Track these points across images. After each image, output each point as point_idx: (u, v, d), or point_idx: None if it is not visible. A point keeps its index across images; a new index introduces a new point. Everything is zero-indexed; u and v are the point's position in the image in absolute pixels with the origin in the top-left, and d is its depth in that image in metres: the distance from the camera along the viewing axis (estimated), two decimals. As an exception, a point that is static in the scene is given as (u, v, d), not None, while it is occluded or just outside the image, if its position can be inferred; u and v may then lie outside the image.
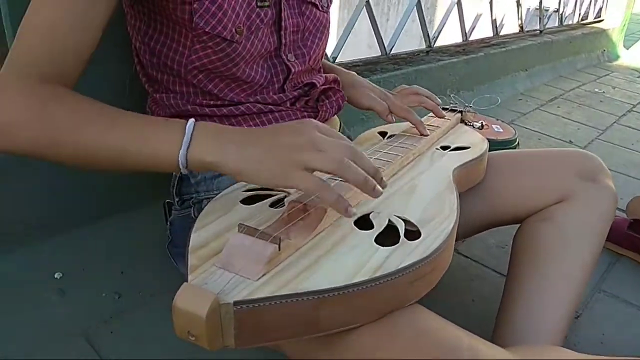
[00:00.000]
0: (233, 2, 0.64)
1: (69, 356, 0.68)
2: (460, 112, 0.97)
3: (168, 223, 0.79)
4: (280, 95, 0.75)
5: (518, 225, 0.83)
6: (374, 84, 0.88)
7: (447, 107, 0.99)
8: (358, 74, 1.45)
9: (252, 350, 0.46)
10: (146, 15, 0.68)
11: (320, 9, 0.79)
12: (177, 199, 0.76)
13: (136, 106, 0.90)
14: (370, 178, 0.51)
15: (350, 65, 1.55)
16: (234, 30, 0.65)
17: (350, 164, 0.50)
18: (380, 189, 0.52)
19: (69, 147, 0.53)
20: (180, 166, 0.52)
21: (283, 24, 0.72)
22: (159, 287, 0.81)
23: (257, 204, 0.59)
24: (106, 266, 0.85)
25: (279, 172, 0.49)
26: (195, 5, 0.62)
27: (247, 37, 0.68)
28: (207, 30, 0.64)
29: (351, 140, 0.88)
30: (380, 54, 1.65)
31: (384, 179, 0.55)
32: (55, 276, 0.81)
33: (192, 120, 0.53)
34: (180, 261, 0.76)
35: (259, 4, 0.68)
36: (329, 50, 1.43)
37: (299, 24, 0.75)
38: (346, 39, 1.48)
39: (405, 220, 0.57)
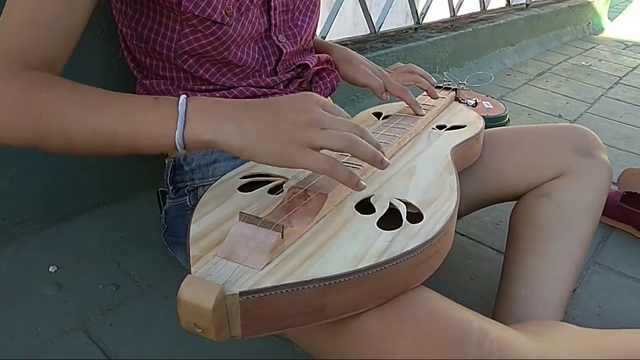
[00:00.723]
0: None
1: (69, 350, 0.67)
2: (455, 90, 0.96)
3: (163, 212, 0.77)
4: (273, 77, 0.73)
5: (513, 202, 0.84)
6: (369, 61, 0.87)
7: (440, 85, 0.99)
8: (347, 53, 1.44)
9: (257, 339, 0.46)
10: (132, 0, 0.66)
11: (310, -13, 0.77)
12: (171, 187, 0.75)
13: (124, 91, 0.88)
14: (379, 152, 0.50)
15: (340, 44, 1.52)
16: (223, 12, 0.63)
17: (358, 139, 0.48)
18: (388, 161, 0.51)
19: (56, 134, 0.51)
20: (178, 147, 0.49)
21: (272, 3, 0.70)
22: (157, 277, 0.80)
23: (255, 190, 0.58)
24: (101, 257, 0.83)
25: (280, 148, 0.47)
26: (182, -12, 0.60)
27: (237, 18, 0.66)
28: (196, 13, 0.62)
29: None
30: (368, 32, 1.63)
31: (385, 158, 0.53)
32: (50, 270, 0.80)
33: (183, 97, 0.50)
34: (177, 250, 0.75)
35: (248, -16, 0.65)
36: (317, 30, 1.40)
37: (288, 4, 0.73)
38: (335, 17, 1.46)
39: (406, 203, 0.56)
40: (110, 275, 0.80)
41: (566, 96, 1.95)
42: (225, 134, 0.48)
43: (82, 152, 0.53)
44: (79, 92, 0.52)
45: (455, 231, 1.01)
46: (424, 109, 0.83)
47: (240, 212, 0.48)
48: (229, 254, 0.45)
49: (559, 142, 0.82)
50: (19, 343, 0.67)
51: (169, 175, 0.74)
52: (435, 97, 0.85)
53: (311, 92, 0.52)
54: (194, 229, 0.50)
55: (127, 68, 0.75)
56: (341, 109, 0.52)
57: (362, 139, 0.49)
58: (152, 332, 0.71)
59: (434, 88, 0.84)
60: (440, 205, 0.56)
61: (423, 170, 0.65)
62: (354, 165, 0.61)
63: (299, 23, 0.76)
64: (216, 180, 0.62)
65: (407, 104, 0.81)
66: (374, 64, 0.86)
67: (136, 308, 0.75)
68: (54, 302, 0.74)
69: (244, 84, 0.71)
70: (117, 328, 0.71)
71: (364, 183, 0.50)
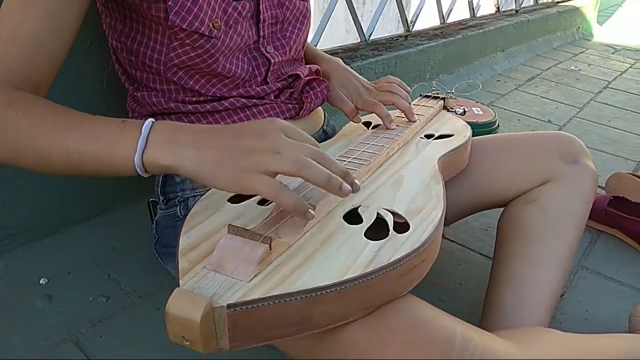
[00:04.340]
0: None
1: (60, 362, 0.67)
2: (443, 99, 0.97)
3: (154, 222, 0.78)
4: (264, 87, 0.74)
5: (502, 208, 0.85)
6: (352, 74, 0.86)
7: (429, 94, 1.00)
8: (338, 61, 1.45)
9: (247, 349, 0.46)
10: (121, 14, 0.67)
11: (300, -2, 0.78)
12: (162, 198, 0.75)
13: (116, 104, 0.89)
14: (335, 176, 0.48)
15: (330, 53, 1.53)
16: (211, 25, 0.64)
17: (310, 162, 0.47)
18: (348, 187, 0.49)
19: (28, 153, 0.52)
20: (138, 170, 0.50)
21: (261, 16, 0.71)
22: (147, 288, 0.80)
23: (245, 202, 0.59)
24: (92, 269, 0.84)
25: (236, 175, 0.47)
26: (170, 3, 0.61)
27: (226, 31, 0.66)
28: (184, 26, 0.62)
29: (335, 130, 0.87)
30: (359, 40, 1.64)
31: (356, 181, 0.52)
32: (41, 282, 0.80)
33: (149, 121, 0.51)
34: (168, 260, 0.75)
35: (235, -3, 0.66)
36: (308, 38, 1.41)
37: (277, 16, 0.74)
38: (325, 25, 1.47)
39: (393, 213, 0.57)
40: (101, 287, 0.80)
41: (555, 101, 1.98)
42: (182, 160, 0.48)
43: (54, 172, 0.53)
44: (54, 113, 0.53)
45: (445, 237, 1.04)
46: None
47: (229, 224, 0.48)
48: (217, 266, 0.46)
49: (545, 150, 0.83)
50: (9, 355, 0.67)
51: (159, 186, 0.75)
52: (412, 120, 0.83)
53: (275, 118, 0.52)
54: (184, 241, 0.51)
55: (118, 80, 0.75)
56: (305, 134, 0.51)
57: (320, 164, 0.48)
58: (142, 343, 0.71)
59: (411, 110, 0.83)
60: (427, 215, 0.57)
61: (410, 179, 0.66)
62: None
63: (288, 34, 0.77)
64: (207, 191, 0.62)
65: (379, 117, 0.81)
66: (356, 79, 0.85)
67: (127, 319, 0.75)
68: (45, 314, 0.74)
69: (235, 94, 0.72)
70: (108, 340, 0.71)
71: (312, 212, 0.49)
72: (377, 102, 0.81)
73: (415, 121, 0.84)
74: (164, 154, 0.49)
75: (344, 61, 1.33)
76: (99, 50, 0.84)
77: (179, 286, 0.43)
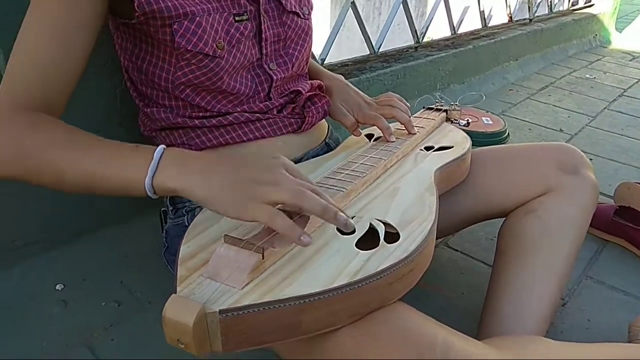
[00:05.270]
0: (211, 19, 0.67)
1: (72, 365, 0.71)
2: (445, 111, 0.99)
3: (164, 231, 0.81)
4: (267, 103, 0.77)
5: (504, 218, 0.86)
6: (353, 89, 0.89)
7: (432, 106, 1.02)
8: (347, 73, 1.48)
9: (244, 352, 0.49)
10: (132, 36, 0.71)
11: (302, 16, 0.81)
12: (171, 208, 0.79)
13: (129, 119, 0.93)
14: (331, 207, 0.52)
15: (339, 65, 1.57)
16: (215, 46, 0.68)
17: (307, 193, 0.51)
18: (344, 216, 0.53)
19: (46, 173, 0.56)
20: (148, 192, 0.54)
21: (263, 35, 0.75)
22: (157, 294, 0.84)
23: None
24: (106, 276, 0.88)
25: (238, 202, 0.51)
26: (175, 27, 0.65)
27: (229, 51, 0.70)
28: (189, 48, 0.66)
29: (338, 143, 0.90)
30: (368, 52, 1.67)
31: (350, 220, 0.55)
32: (57, 288, 0.84)
33: (161, 147, 0.55)
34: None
35: (236, 18, 0.70)
36: (317, 52, 1.45)
37: (279, 34, 0.78)
38: (333, 40, 1.50)
39: (385, 223, 0.59)
40: (113, 293, 0.84)
41: (568, 110, 1.97)
42: (190, 185, 0.53)
43: (70, 190, 0.58)
44: (71, 136, 0.58)
45: (449, 246, 1.05)
46: (415, 130, 0.87)
47: (225, 234, 0.52)
48: (212, 274, 0.49)
49: (545, 161, 0.84)
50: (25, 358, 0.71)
51: (168, 197, 0.79)
52: (411, 132, 0.85)
53: (279, 156, 0.56)
54: (184, 249, 0.54)
55: (130, 97, 0.80)
56: (303, 174, 0.56)
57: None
58: (151, 347, 0.74)
59: (410, 123, 0.86)
60: (418, 225, 0.59)
61: (406, 191, 0.68)
62: (338, 188, 0.64)
63: (290, 51, 0.80)
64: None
65: (380, 129, 0.84)
66: (357, 94, 0.88)
67: (137, 324, 0.78)
68: (60, 318, 0.79)
69: (239, 109, 0.75)
70: (119, 343, 0.75)
71: (309, 238, 0.51)
72: (377, 115, 0.83)
73: (415, 133, 0.86)
74: (174, 178, 0.53)
75: (353, 73, 1.36)
76: (112, 69, 0.88)
77: (176, 293, 0.47)
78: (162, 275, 0.85)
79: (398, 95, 0.89)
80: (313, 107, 0.82)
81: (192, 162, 0.54)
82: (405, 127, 0.86)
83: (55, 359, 0.71)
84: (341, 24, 1.50)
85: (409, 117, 0.86)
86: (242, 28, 0.71)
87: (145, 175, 0.53)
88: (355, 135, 0.86)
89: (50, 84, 0.59)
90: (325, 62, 1.47)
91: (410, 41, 1.85)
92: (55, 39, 0.58)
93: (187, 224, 0.76)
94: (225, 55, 0.70)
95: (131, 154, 0.55)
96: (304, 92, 0.80)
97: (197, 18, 0.65)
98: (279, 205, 0.52)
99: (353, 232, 0.57)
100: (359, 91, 0.89)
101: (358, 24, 1.56)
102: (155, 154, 0.54)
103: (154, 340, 0.75)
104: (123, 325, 0.78)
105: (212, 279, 0.48)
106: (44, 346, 0.73)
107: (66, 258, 0.90)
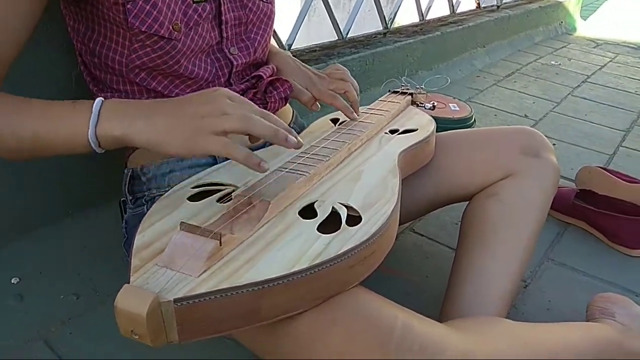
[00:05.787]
0: (167, 0, 0.64)
1: (29, 360, 0.69)
2: (411, 94, 0.99)
3: (124, 221, 0.79)
4: (227, 88, 0.75)
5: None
6: (301, 64, 0.86)
7: (397, 90, 1.01)
8: (315, 59, 1.47)
9: (204, 341, 0.48)
10: (83, 17, 0.68)
11: (264, 0, 0.79)
12: (130, 197, 0.76)
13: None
14: (282, 130, 0.53)
15: (307, 51, 1.55)
16: (170, 28, 0.65)
17: (255, 118, 0.52)
18: (294, 139, 0.54)
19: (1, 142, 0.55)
20: (92, 144, 0.54)
21: (223, 17, 0.73)
22: (117, 286, 0.80)
23: (204, 200, 0.60)
24: (64, 268, 0.85)
25: (187, 138, 0.51)
26: (129, 6, 0.62)
27: (186, 33, 0.68)
28: (143, 29, 0.64)
29: (303, 128, 0.89)
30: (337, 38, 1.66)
31: (299, 138, 0.57)
32: (12, 281, 0.81)
33: (99, 99, 0.54)
34: (137, 259, 0.76)
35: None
36: (283, 37, 1.43)
37: (240, 17, 0.76)
38: (300, 25, 1.48)
39: (348, 207, 0.59)
40: (71, 286, 0.81)
41: (533, 96, 2.00)
42: (135, 130, 0.52)
43: (15, 155, 0.58)
44: (6, 99, 0.56)
45: (414, 231, 1.06)
46: (378, 113, 0.86)
47: (181, 222, 0.50)
48: (168, 263, 0.47)
49: (507, 144, 0.85)
50: (-20, 354, 0.69)
51: (127, 186, 0.76)
52: (352, 117, 0.83)
53: (220, 87, 0.56)
54: (139, 239, 0.53)
55: (85, 82, 0.77)
56: (248, 100, 0.56)
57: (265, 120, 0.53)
58: (110, 340, 0.72)
59: (357, 104, 0.84)
60: (380, 208, 0.59)
61: (369, 174, 0.68)
62: (300, 172, 0.63)
63: (252, 36, 0.78)
64: (172, 189, 0.64)
65: (339, 109, 0.82)
66: (305, 68, 0.86)
67: (95, 317, 0.76)
68: (16, 312, 0.76)
69: (198, 94, 0.73)
70: (77, 337, 0.73)
71: (266, 165, 0.53)
72: (334, 95, 0.81)
73: (355, 118, 0.84)
74: (116, 126, 0.53)
75: (321, 59, 1.34)
76: (67, 53, 0.85)
77: (128, 283, 0.45)
78: (123, 267, 0.81)
79: (345, 69, 0.88)
80: (275, 92, 0.80)
81: (132, 108, 0.54)
82: (352, 105, 0.83)
83: (11, 357, 0.69)
84: (308, 9, 1.48)
85: (358, 95, 0.85)
86: (200, 9, 0.69)
87: (87, 128, 0.53)
88: (313, 110, 0.84)
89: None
90: (292, 47, 1.45)
91: (380, 27, 1.84)
92: None
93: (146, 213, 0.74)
94: (182, 38, 0.67)
95: (71, 109, 0.55)
96: (264, 76, 0.79)
97: (152, -2, 0.63)
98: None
99: (316, 215, 0.57)
100: (306, 65, 0.87)
101: (325, 8, 1.54)
102: (94, 106, 0.53)
103: (114, 334, 0.73)
104: (82, 319, 0.76)
105: (167, 267, 0.47)
106: (0, 341, 0.71)
107: (21, 251, 0.87)
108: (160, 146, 0.52)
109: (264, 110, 0.54)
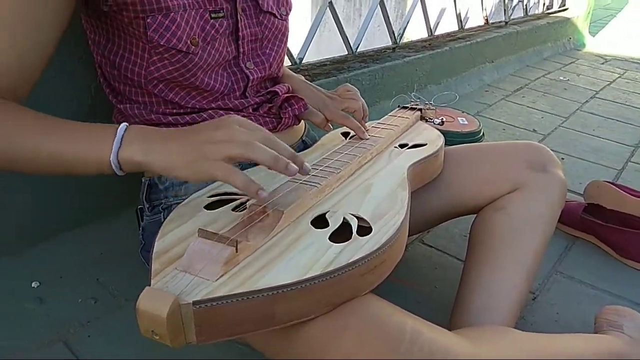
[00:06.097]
0: (186, 15, 0.67)
1: (48, 361, 0.71)
2: (420, 110, 1.01)
3: (140, 229, 0.82)
4: (242, 100, 0.78)
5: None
6: (314, 87, 0.90)
7: (407, 105, 1.04)
8: (326, 73, 1.50)
9: (219, 344, 0.50)
10: (104, 30, 0.71)
11: (279, 17, 0.82)
12: (147, 205, 0.79)
13: (102, 115, 0.93)
14: (282, 157, 0.55)
15: (318, 65, 1.58)
16: (188, 42, 0.68)
17: (257, 145, 0.54)
18: (295, 167, 0.56)
19: (20, 160, 0.57)
20: (114, 167, 0.56)
21: (240, 33, 0.76)
22: (134, 291, 0.83)
23: (220, 208, 0.62)
24: (83, 273, 0.87)
25: (195, 165, 0.54)
26: (149, 20, 0.65)
27: (203, 47, 0.71)
28: (162, 43, 0.67)
29: (315, 141, 0.91)
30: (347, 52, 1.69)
31: (306, 163, 0.60)
32: (33, 285, 0.84)
33: (124, 124, 0.57)
34: (152, 265, 0.79)
35: (212, 15, 0.71)
36: (294, 51, 1.46)
37: (257, 33, 0.79)
38: (311, 40, 1.51)
39: (358, 217, 0.61)
40: (90, 290, 0.84)
41: (542, 111, 2.02)
42: (154, 157, 0.55)
43: (45, 173, 0.60)
44: (33, 118, 0.59)
45: (424, 243, 1.07)
46: (389, 128, 0.88)
47: (199, 228, 0.52)
48: (186, 267, 0.50)
49: (514, 159, 0.87)
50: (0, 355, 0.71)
51: (144, 194, 0.79)
52: (363, 137, 0.84)
53: (234, 115, 0.59)
54: (158, 244, 0.55)
55: (104, 93, 0.80)
56: (258, 126, 0.58)
57: (268, 147, 0.55)
58: (127, 343, 0.74)
59: (364, 123, 0.86)
60: (390, 219, 0.61)
61: (379, 187, 0.70)
62: (312, 184, 0.66)
63: (267, 51, 0.81)
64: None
65: (351, 129, 0.84)
66: (317, 90, 0.89)
67: (113, 321, 0.79)
68: (36, 315, 0.78)
69: (213, 106, 0.76)
70: (95, 340, 0.75)
71: (264, 193, 0.55)
72: (346, 115, 0.84)
73: (364, 138, 0.84)
74: (137, 152, 0.56)
75: (332, 73, 1.37)
76: (87, 65, 0.88)
77: (149, 286, 0.47)
78: (139, 272, 0.84)
79: (355, 88, 0.90)
80: (290, 109, 0.82)
81: (152, 135, 0.57)
82: (360, 126, 0.85)
83: (31, 358, 0.71)
84: (318, 24, 1.51)
85: (366, 115, 0.87)
86: (217, 25, 0.72)
87: (110, 151, 0.55)
88: (326, 131, 0.87)
89: (18, 73, 0.59)
90: (303, 61, 1.49)
91: (389, 42, 1.87)
92: (23, 26, 0.57)
93: (163, 221, 0.76)
94: (199, 52, 0.70)
95: (96, 133, 0.57)
96: (280, 93, 0.81)
97: (172, 14, 0.66)
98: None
99: (327, 225, 0.59)
100: (319, 87, 0.90)
101: (336, 24, 1.58)
102: (118, 131, 0.56)
103: (131, 336, 0.76)
104: (100, 322, 0.78)
105: (186, 271, 0.49)
106: (19, 343, 0.73)
107: (42, 256, 0.90)
108: (173, 172, 0.55)
109: (271, 136, 0.56)
